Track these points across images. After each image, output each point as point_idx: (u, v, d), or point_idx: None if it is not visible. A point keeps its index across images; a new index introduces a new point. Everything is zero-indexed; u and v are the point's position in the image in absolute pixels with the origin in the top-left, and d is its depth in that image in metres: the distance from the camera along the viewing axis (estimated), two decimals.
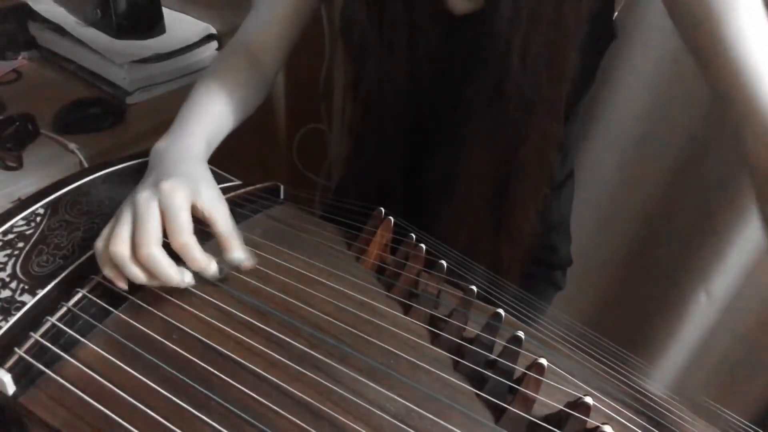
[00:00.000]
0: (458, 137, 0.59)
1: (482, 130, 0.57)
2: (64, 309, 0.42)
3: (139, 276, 0.41)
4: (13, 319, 0.42)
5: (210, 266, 0.44)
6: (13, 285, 0.45)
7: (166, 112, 0.95)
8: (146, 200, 0.43)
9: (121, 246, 0.41)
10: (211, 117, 0.57)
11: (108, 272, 0.42)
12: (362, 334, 0.44)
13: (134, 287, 0.45)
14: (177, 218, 0.42)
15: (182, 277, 0.43)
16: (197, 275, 0.44)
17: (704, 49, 0.51)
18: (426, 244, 0.51)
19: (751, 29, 0.48)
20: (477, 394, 0.41)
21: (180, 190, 0.43)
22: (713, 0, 0.48)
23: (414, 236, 0.53)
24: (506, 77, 0.53)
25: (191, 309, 0.44)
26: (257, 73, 0.66)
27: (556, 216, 0.76)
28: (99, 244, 0.43)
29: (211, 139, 0.56)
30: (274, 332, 0.43)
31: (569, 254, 0.80)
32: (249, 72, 0.65)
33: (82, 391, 0.38)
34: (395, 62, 0.58)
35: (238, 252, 0.45)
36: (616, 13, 0.58)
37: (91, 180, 0.58)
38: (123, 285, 0.43)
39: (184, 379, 0.39)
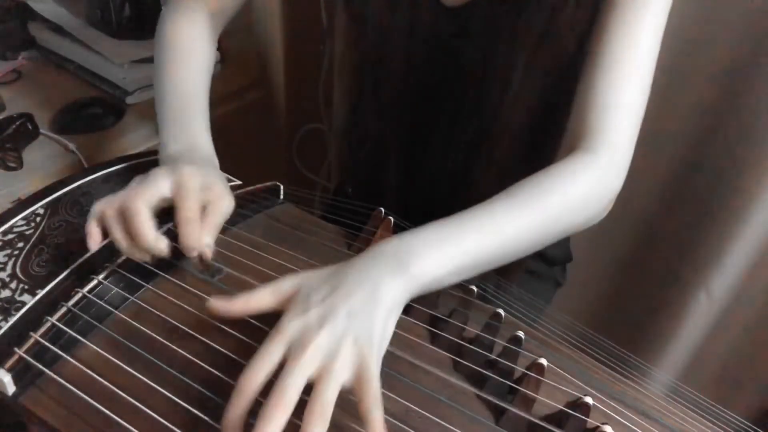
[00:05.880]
0: (482, 94, 0.59)
1: (532, 69, 0.56)
2: (64, 309, 0.42)
3: (116, 231, 0.43)
4: (13, 319, 0.42)
5: (201, 246, 0.44)
6: (13, 285, 0.45)
7: None
8: (162, 173, 0.45)
9: (110, 203, 0.43)
10: (202, 102, 0.58)
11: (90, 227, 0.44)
12: None
13: (133, 288, 0.45)
14: (188, 196, 0.44)
15: (156, 239, 0.43)
16: (196, 278, 0.44)
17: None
18: None
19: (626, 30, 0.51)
20: (477, 395, 0.41)
21: (198, 177, 0.46)
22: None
23: None
24: (560, 8, 0.53)
25: (191, 309, 0.44)
26: (215, 25, 0.66)
27: None
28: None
29: (207, 121, 0.57)
30: None
31: (568, 250, 0.80)
32: (210, 28, 0.64)
33: (82, 391, 0.38)
34: (396, 20, 0.59)
35: (208, 238, 0.44)
36: None
37: (91, 180, 0.58)
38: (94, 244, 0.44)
39: (184, 379, 0.39)
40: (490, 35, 0.57)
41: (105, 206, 0.44)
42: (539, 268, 0.77)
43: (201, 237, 0.44)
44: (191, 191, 0.44)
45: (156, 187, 0.44)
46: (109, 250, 0.48)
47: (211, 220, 0.45)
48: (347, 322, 0.35)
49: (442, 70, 0.62)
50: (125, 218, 0.43)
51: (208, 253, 0.45)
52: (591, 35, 0.53)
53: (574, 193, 0.48)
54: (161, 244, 0.43)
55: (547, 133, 0.61)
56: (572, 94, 0.55)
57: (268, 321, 0.43)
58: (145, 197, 0.43)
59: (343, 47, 0.69)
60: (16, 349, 0.39)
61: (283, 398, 0.32)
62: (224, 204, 0.47)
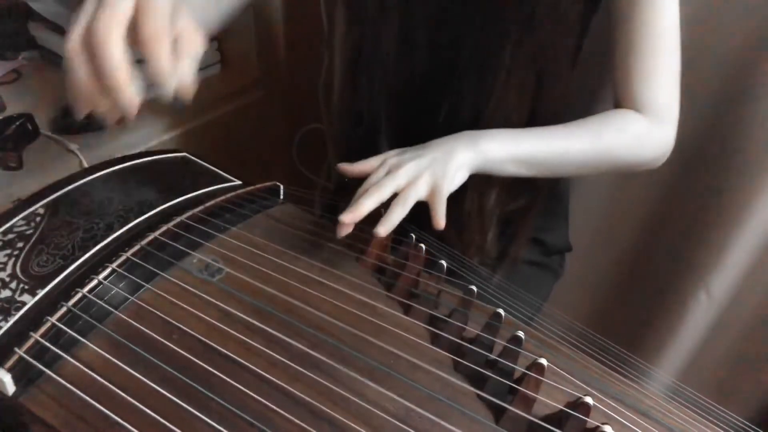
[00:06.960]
0: (475, 81, 0.61)
1: (520, 56, 0.58)
2: (64, 309, 0.42)
3: (79, 70, 0.36)
4: (13, 319, 0.42)
5: (174, 74, 0.38)
6: (13, 285, 0.45)
7: (166, 113, 0.96)
8: None
9: (75, 32, 0.35)
10: None
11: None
12: (362, 334, 0.44)
13: (133, 288, 0.45)
14: (156, 10, 0.36)
15: (129, 82, 0.36)
16: (193, 276, 0.44)
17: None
18: (426, 245, 0.51)
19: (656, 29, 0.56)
20: (477, 394, 0.41)
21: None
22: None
23: (414, 236, 0.53)
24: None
25: (191, 309, 0.44)
26: None
27: (553, 197, 0.76)
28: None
29: None
30: (275, 332, 0.43)
31: (567, 239, 0.80)
32: None
33: (82, 391, 0.38)
34: (388, 21, 0.62)
35: (185, 67, 0.38)
36: None
37: (91, 180, 0.58)
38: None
39: (184, 379, 0.39)
40: (482, 13, 0.58)
41: (72, 41, 0.36)
42: (537, 258, 0.77)
43: (175, 61, 0.37)
44: (159, 7, 0.37)
45: (120, 6, 0.36)
46: (110, 249, 0.49)
47: (185, 52, 0.38)
48: (430, 162, 0.50)
49: (435, 56, 0.63)
50: (93, 51, 0.36)
51: (188, 83, 0.37)
52: (616, 13, 0.57)
53: (624, 135, 0.58)
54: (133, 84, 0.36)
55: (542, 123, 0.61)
56: (563, 80, 0.61)
57: (269, 322, 0.43)
58: (114, 20, 0.36)
59: (341, 33, 0.70)
60: (16, 349, 0.39)
61: (380, 189, 0.48)
62: (198, 36, 0.39)
